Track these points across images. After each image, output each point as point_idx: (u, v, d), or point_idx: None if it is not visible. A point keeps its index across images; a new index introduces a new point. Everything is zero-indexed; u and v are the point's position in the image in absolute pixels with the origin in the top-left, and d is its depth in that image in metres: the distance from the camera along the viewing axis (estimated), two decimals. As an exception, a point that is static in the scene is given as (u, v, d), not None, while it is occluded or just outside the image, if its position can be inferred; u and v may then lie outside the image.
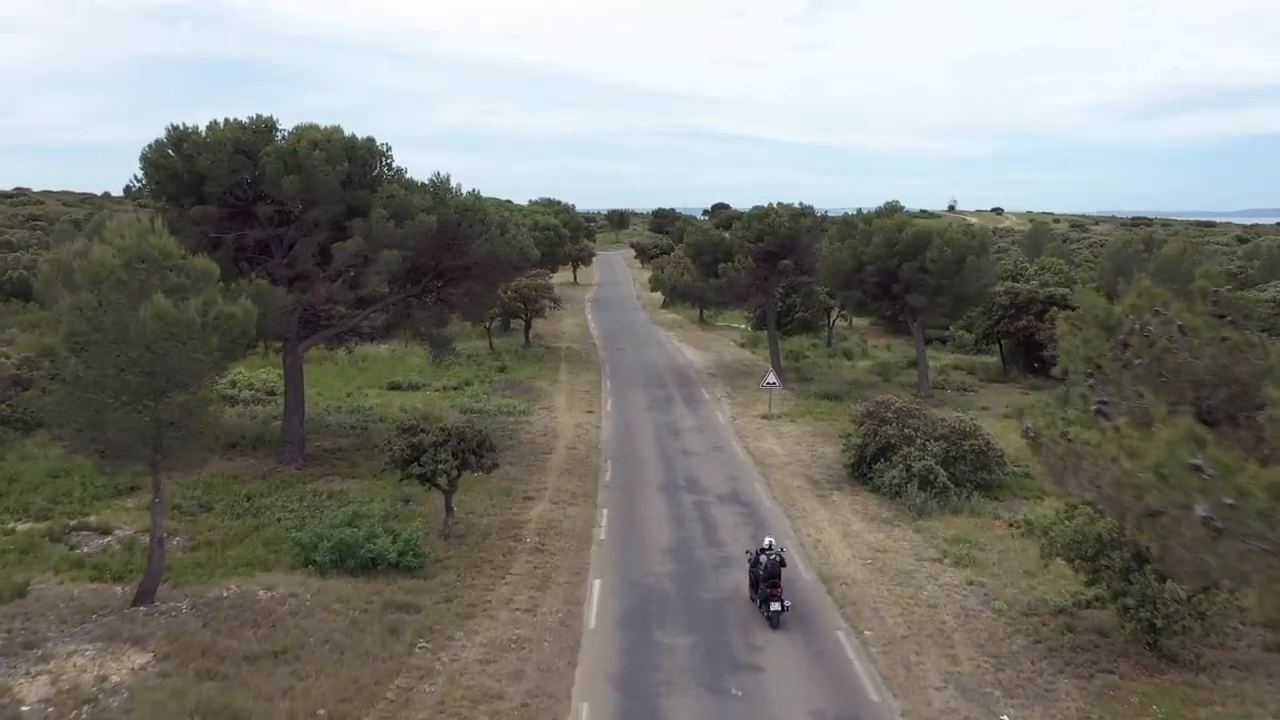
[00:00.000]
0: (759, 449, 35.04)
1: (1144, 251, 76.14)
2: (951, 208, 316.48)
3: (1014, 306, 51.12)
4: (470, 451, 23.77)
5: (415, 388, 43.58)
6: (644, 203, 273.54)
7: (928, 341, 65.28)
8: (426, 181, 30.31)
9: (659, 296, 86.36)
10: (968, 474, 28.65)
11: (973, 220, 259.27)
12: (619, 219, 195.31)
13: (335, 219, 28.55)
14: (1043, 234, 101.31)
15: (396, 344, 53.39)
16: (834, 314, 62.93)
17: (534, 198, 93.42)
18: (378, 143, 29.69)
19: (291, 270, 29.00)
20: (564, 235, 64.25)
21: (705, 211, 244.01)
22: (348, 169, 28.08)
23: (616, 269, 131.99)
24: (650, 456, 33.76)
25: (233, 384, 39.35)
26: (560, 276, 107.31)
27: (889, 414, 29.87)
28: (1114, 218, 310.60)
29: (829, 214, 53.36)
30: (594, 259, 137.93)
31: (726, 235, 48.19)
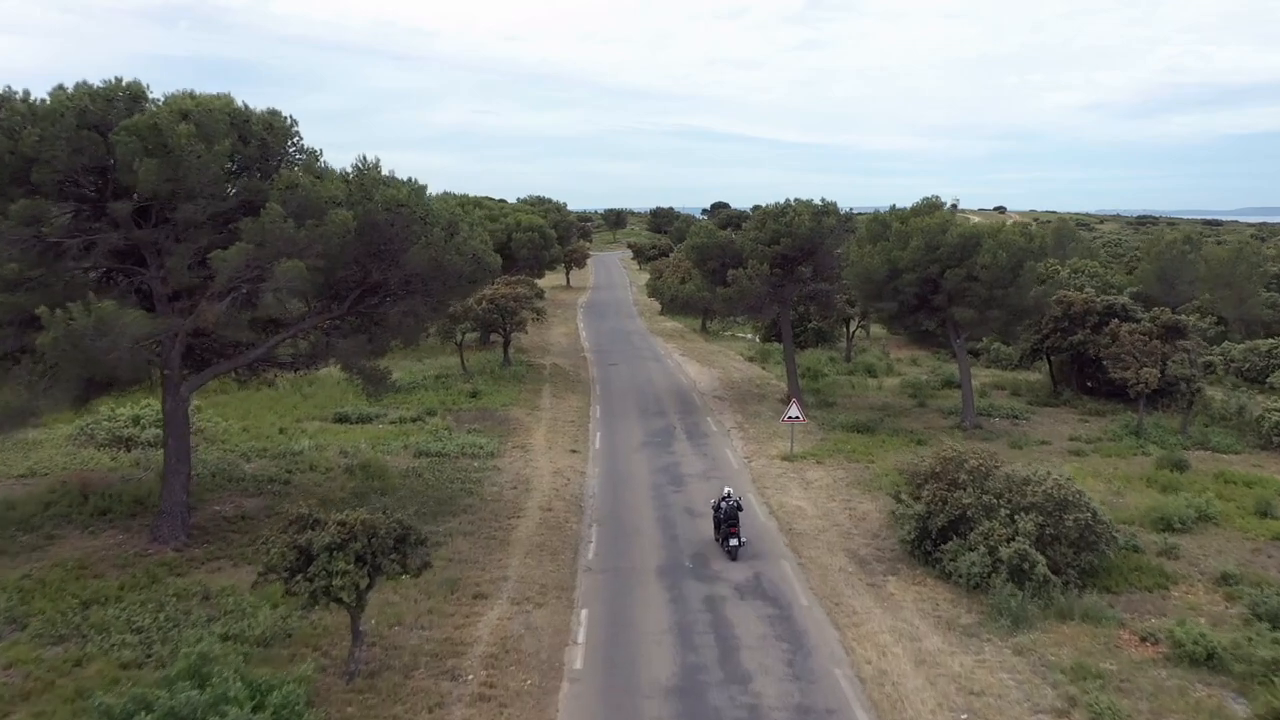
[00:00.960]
0: (783, 507, 27.46)
1: (1190, 253, 68.87)
2: (954, 206, 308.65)
3: (1067, 318, 43.55)
4: (385, 553, 16.19)
5: (366, 420, 35.99)
6: (642, 202, 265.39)
7: (954, 355, 57.93)
8: (349, 169, 22.70)
9: (657, 302, 78.98)
10: (1070, 558, 21.09)
11: (976, 219, 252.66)
12: (616, 219, 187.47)
13: (222, 217, 21.00)
14: (1066, 234, 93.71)
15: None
16: (854, 324, 55.32)
17: (523, 196, 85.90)
18: (283, 116, 22.06)
19: (169, 286, 21.40)
20: (550, 237, 56.63)
21: (704, 211, 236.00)
22: (233, 150, 20.51)
23: (613, 271, 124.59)
24: (646, 519, 26.19)
25: (135, 420, 31.74)
26: (552, 280, 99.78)
27: (961, 475, 22.28)
28: (1118, 216, 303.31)
29: (854, 212, 45.78)
30: (589, 260, 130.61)
31: (735, 237, 40.58)
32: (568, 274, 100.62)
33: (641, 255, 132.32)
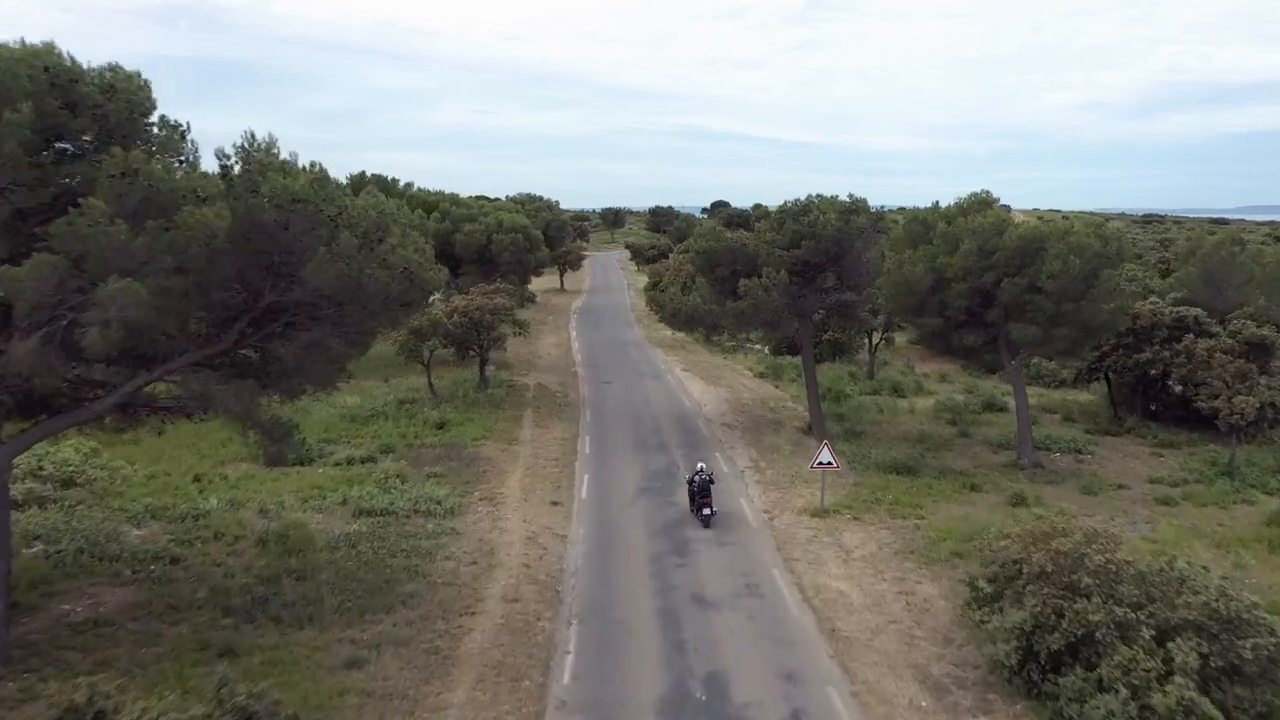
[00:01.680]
0: (821, 592, 20.99)
1: (1239, 254, 62.31)
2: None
3: (1131, 332, 37.07)
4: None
5: (304, 463, 29.52)
6: (642, 202, 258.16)
7: (989, 371, 51.52)
8: (229, 150, 16.20)
9: (656, 315, 72.54)
10: (1248, 700, 14.65)
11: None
12: (614, 218, 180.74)
13: (38, 217, 14.55)
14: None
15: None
16: (876, 336, 48.84)
17: (513, 194, 79.47)
18: (132, 76, 15.53)
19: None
20: (536, 239, 49.98)
21: (704, 210, 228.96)
22: (50, 119, 14.08)
23: (610, 273, 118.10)
24: (643, 612, 19.73)
25: (38, 468, 25.36)
26: (545, 282, 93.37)
27: (1083, 578, 15.80)
28: (1123, 215, 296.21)
29: (885, 209, 39.31)
30: (585, 262, 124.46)
31: (748, 240, 34.04)
32: (561, 277, 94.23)
33: (640, 256, 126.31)
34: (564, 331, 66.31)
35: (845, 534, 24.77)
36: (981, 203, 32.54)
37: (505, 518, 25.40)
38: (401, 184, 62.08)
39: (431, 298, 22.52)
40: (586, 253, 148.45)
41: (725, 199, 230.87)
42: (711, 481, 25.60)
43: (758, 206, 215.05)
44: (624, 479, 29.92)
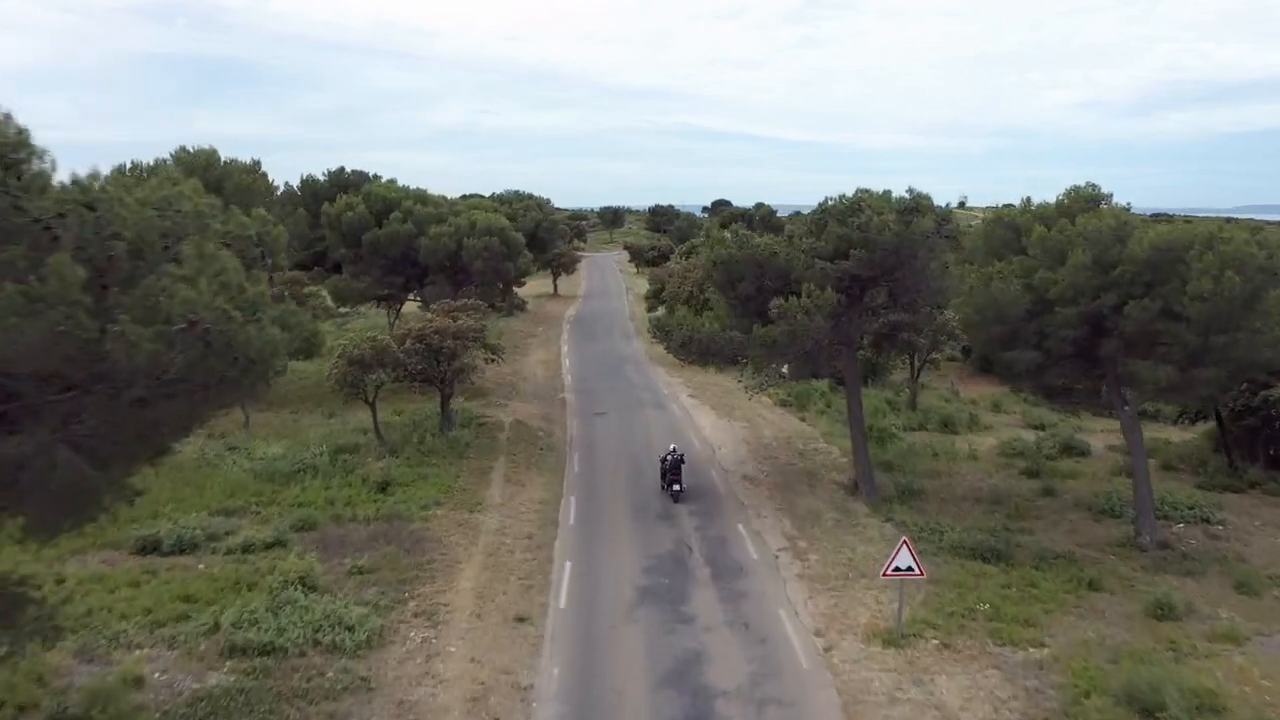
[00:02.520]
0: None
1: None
2: (962, 204, 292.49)
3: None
4: None
5: (185, 548, 21.50)
6: (642, 201, 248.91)
7: (1049, 395, 43.53)
8: None
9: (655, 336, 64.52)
10: None
11: (981, 217, 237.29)
12: (613, 217, 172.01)
13: None
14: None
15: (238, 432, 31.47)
16: (920, 358, 40.80)
17: (499, 191, 71.36)
18: None
19: None
20: (516, 242, 41.78)
21: (705, 209, 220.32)
22: None
23: (607, 276, 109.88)
24: None
25: None
26: (538, 287, 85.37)
27: None
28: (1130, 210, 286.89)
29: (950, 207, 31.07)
30: (582, 264, 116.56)
31: (779, 247, 25.85)
32: (555, 281, 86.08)
33: (640, 257, 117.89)
34: (554, 345, 58.23)
35: (939, 680, 16.73)
36: (1088, 198, 24.49)
37: (446, 652, 17.35)
38: (394, 179, 54.12)
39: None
40: (584, 254, 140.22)
41: (726, 198, 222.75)
42: (682, 461, 27.30)
43: (760, 205, 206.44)
44: (619, 569, 21.91)
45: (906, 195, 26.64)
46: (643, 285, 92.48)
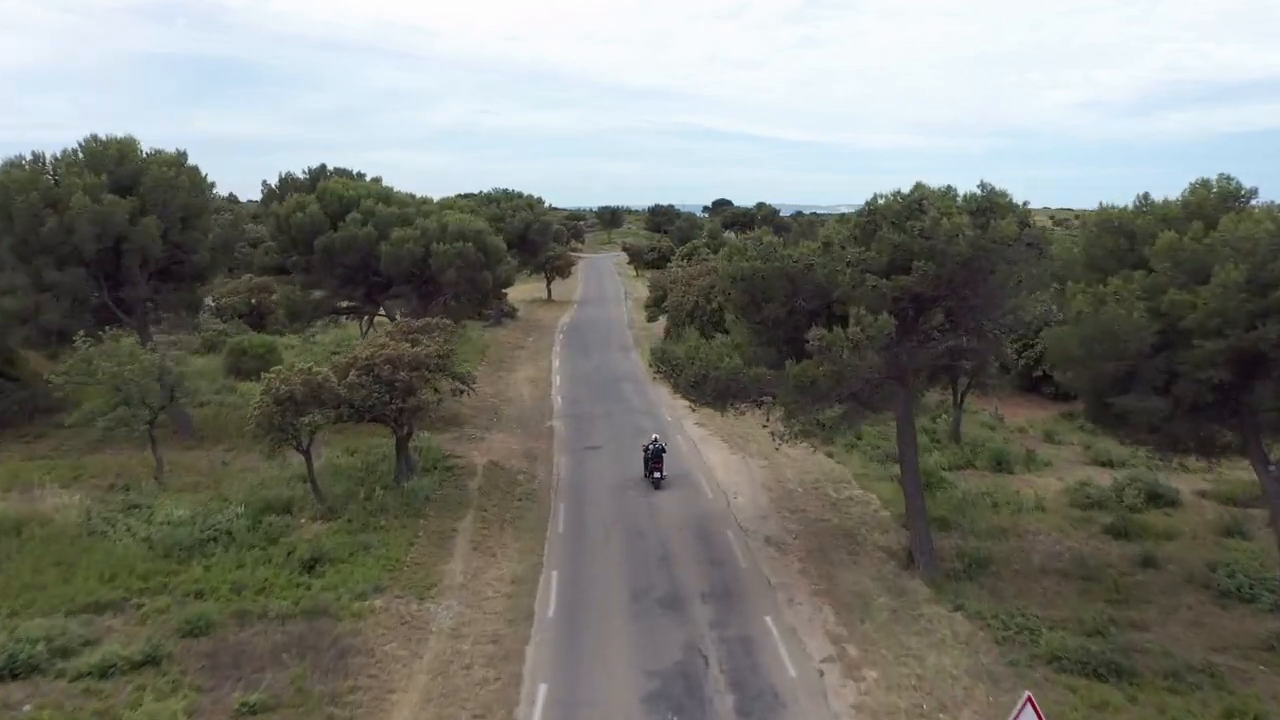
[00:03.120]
0: None
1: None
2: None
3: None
4: None
5: (18, 672, 15.59)
6: (641, 201, 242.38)
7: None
8: None
9: (658, 326, 58.55)
10: None
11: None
12: (611, 217, 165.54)
13: None
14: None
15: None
16: (965, 383, 34.80)
17: (486, 189, 65.42)
18: None
19: None
20: (495, 249, 35.52)
21: (705, 209, 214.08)
22: None
23: (605, 279, 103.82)
24: None
25: None
26: (529, 290, 79.56)
27: None
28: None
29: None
30: (579, 266, 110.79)
31: (815, 259, 19.83)
32: (549, 285, 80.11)
33: (639, 259, 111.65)
34: (544, 359, 52.26)
35: None
36: (1225, 195, 18.54)
37: None
38: (379, 178, 48.10)
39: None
40: (582, 255, 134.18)
41: (726, 197, 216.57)
42: (664, 450, 28.49)
43: (761, 205, 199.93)
44: (610, 700, 15.99)
45: (979, 192, 20.72)
46: (642, 289, 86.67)
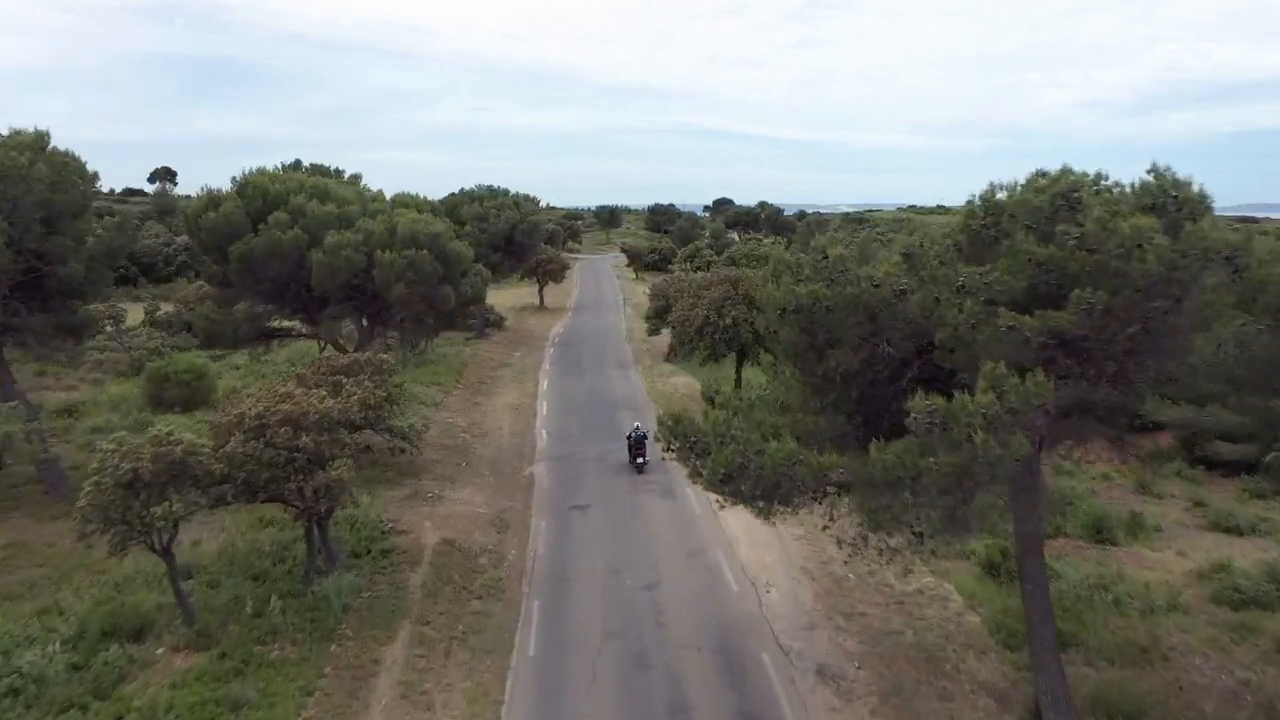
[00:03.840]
0: None
1: None
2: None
3: None
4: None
5: None
6: (640, 200, 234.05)
7: (1206, 466, 30.61)
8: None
9: (660, 340, 51.29)
10: None
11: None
12: (610, 216, 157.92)
13: None
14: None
15: None
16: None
17: (473, 186, 58.12)
18: None
19: None
20: (458, 257, 27.79)
21: (706, 208, 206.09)
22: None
23: (602, 283, 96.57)
24: None
25: None
26: (519, 295, 72.67)
27: None
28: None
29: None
30: (574, 268, 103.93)
31: (907, 282, 12.77)
32: (541, 291, 72.88)
33: (639, 260, 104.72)
34: (531, 379, 45.07)
35: None
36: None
37: None
38: (341, 170, 40.88)
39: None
40: (580, 256, 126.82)
41: (727, 196, 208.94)
42: (645, 437, 28.77)
43: (764, 204, 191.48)
44: None
45: (1149, 178, 13.58)
46: (642, 294, 79.56)
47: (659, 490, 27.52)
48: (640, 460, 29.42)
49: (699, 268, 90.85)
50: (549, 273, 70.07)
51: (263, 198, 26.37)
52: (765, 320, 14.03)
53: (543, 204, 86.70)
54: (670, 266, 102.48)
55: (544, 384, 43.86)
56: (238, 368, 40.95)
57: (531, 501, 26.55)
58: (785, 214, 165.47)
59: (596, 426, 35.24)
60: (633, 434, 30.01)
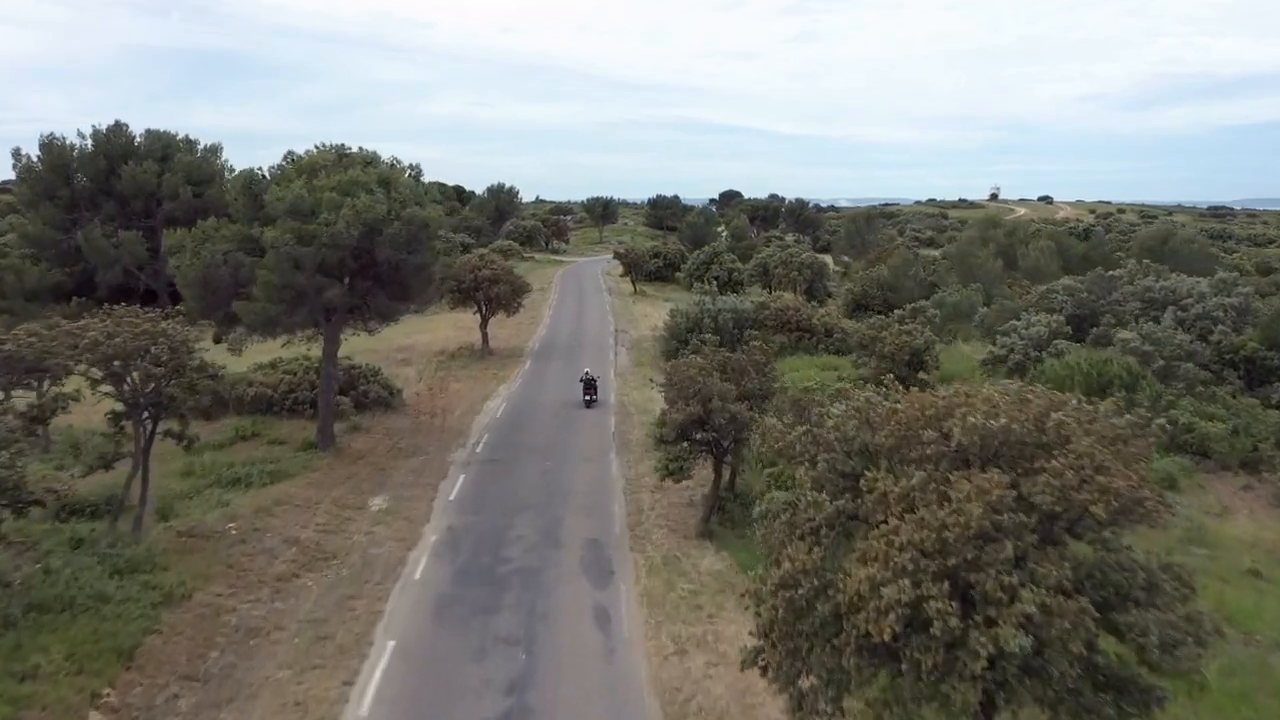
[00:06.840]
0: None
1: None
2: (994, 196, 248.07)
3: None
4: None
5: None
6: (638, 195, 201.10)
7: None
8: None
9: (692, 511, 22.32)
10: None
11: (1021, 211, 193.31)
12: (603, 210, 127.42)
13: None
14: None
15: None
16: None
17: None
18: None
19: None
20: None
21: (712, 200, 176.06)
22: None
23: (586, 302, 64.91)
24: None
25: None
26: (456, 334, 43.96)
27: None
28: (1182, 208, 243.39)
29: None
30: (555, 278, 75.57)
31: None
32: (484, 331, 43.19)
33: (638, 268, 72.76)
34: (420, 526, 16.12)
35: None
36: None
37: None
38: None
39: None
40: (565, 259, 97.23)
41: (727, 191, 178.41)
42: (595, 380, 32.81)
43: (774, 197, 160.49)
44: None
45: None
46: (645, 325, 50.16)
47: None
48: (589, 399, 31.94)
49: (725, 286, 61.33)
50: (495, 301, 40.86)
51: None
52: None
53: (533, 198, 57.29)
54: (678, 274, 72.13)
55: (377, 671, 14.92)
56: None
57: None
58: (809, 207, 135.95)
59: None
60: (584, 378, 32.63)
